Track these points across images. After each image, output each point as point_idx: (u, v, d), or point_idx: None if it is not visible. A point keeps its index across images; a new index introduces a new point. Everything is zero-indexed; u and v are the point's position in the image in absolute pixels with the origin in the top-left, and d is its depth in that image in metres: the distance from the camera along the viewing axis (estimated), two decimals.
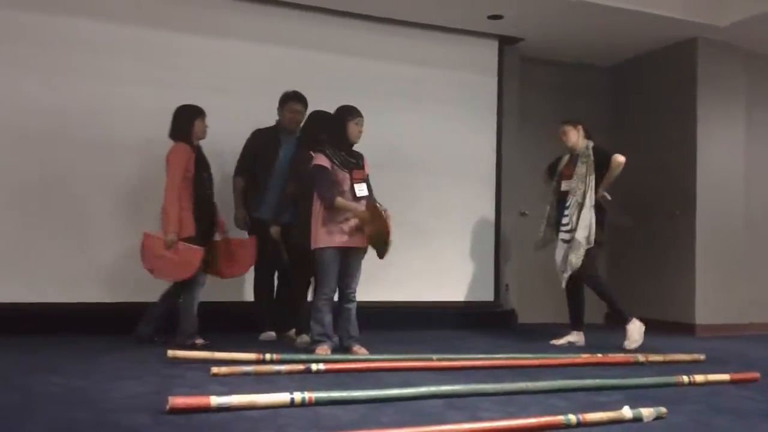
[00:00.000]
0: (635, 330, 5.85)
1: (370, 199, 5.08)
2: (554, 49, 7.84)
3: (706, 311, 7.23)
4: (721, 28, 6.98)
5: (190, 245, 5.10)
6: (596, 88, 8.41)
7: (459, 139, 7.15)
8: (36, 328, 5.53)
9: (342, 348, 5.13)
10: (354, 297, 5.16)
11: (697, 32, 7.21)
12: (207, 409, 3.14)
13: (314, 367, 4.23)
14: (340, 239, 5.00)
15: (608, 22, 6.92)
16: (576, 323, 6.17)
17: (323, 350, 4.95)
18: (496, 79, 7.41)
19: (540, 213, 6.33)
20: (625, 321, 5.91)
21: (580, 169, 6.00)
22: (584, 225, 5.88)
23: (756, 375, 4.57)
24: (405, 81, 6.88)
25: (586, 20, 6.88)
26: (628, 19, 6.81)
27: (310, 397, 3.36)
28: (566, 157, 6.25)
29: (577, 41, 7.56)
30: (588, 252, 5.89)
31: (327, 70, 6.57)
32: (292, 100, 5.75)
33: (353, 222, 5.00)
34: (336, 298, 5.15)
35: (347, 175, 5.03)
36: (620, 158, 5.93)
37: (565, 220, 5.98)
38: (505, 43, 7.46)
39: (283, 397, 3.33)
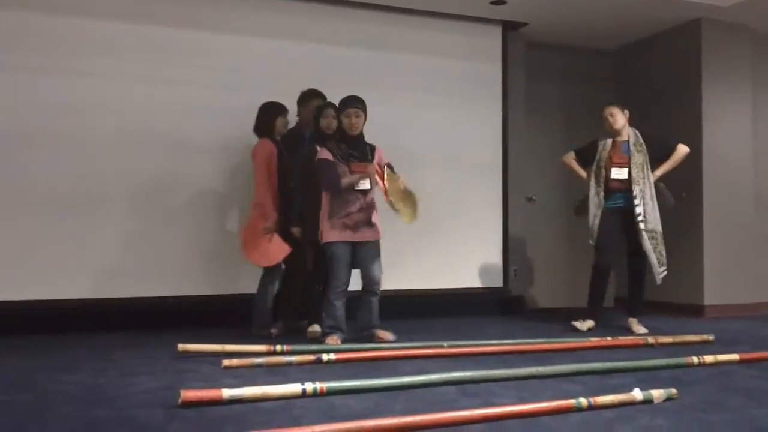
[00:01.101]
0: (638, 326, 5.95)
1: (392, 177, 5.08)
2: (558, 33, 7.80)
3: (714, 292, 7.23)
4: (725, 7, 6.93)
5: (283, 243, 5.39)
6: (601, 72, 8.38)
7: (464, 127, 7.12)
8: (44, 326, 5.57)
9: (364, 338, 5.12)
10: (377, 290, 5.14)
11: (701, 13, 7.18)
12: (220, 402, 3.17)
13: (325, 357, 4.25)
14: (343, 233, 5.02)
15: (611, 4, 6.88)
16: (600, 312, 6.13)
17: (333, 341, 4.96)
18: (500, 65, 7.36)
19: (547, 199, 6.31)
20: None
21: (637, 157, 5.84)
22: (658, 216, 5.83)
23: (766, 354, 4.58)
24: (407, 70, 6.85)
25: (589, 3, 6.84)
26: (631, 0, 6.78)
27: (321, 388, 3.38)
28: (607, 142, 6.02)
29: (581, 25, 7.51)
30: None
31: (325, 61, 6.54)
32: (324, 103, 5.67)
33: (358, 216, 5.03)
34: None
35: (345, 169, 5.03)
36: (686, 149, 5.90)
37: (638, 210, 5.77)
38: (509, 28, 7.42)
39: (294, 388, 3.35)
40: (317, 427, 2.70)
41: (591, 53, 8.36)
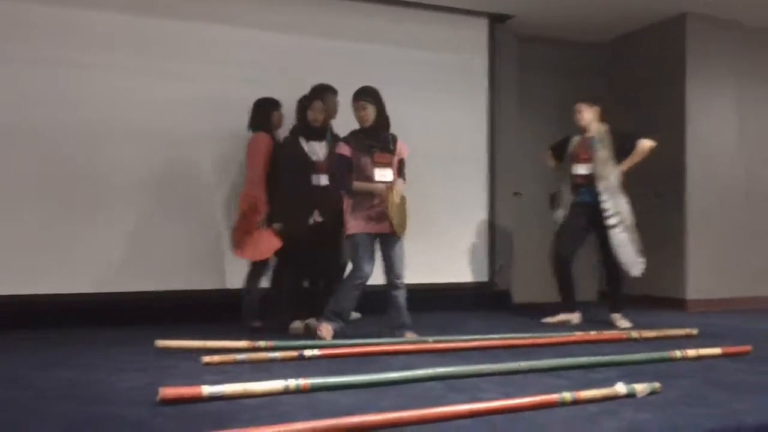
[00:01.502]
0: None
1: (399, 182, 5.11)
2: (548, 26, 7.78)
3: (697, 286, 7.25)
4: (711, 1, 6.95)
5: (273, 237, 5.39)
6: (589, 66, 8.36)
7: (450, 120, 7.09)
8: (22, 322, 5.50)
9: (395, 335, 5.06)
10: (401, 283, 5.09)
11: (686, 7, 7.20)
12: (200, 399, 3.14)
13: (308, 353, 4.22)
14: (365, 225, 5.00)
15: None
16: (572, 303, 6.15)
17: (325, 329, 4.92)
18: (486, 59, 7.34)
19: (537, 194, 6.29)
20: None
21: (602, 153, 5.88)
22: (627, 209, 5.86)
23: (747, 348, 4.60)
24: (392, 62, 6.79)
25: None
26: None
27: (305, 384, 3.36)
28: (577, 138, 6.10)
29: (569, 18, 7.50)
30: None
31: (310, 53, 6.50)
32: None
33: (381, 207, 4.98)
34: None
35: (368, 160, 5.01)
36: (647, 143, 5.88)
37: (606, 206, 5.81)
38: (496, 21, 7.39)
39: (277, 385, 3.33)
40: (300, 424, 2.68)
41: (582, 46, 8.34)
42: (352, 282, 5.02)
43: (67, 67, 5.76)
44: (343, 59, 6.57)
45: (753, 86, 7.83)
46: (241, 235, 5.50)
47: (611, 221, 5.80)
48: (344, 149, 5.04)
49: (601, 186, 5.83)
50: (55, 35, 5.75)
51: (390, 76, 6.28)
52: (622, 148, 5.90)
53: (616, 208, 5.82)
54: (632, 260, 5.83)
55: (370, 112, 5.05)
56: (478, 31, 7.33)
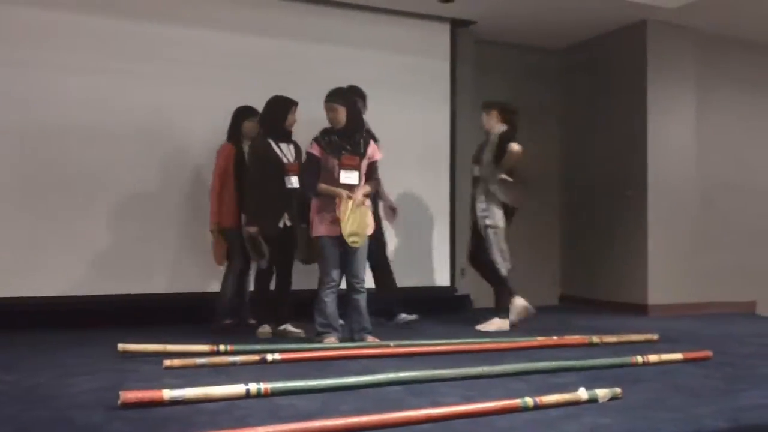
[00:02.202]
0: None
1: (370, 186, 5.11)
2: (507, 31, 7.83)
3: (658, 292, 7.32)
4: (671, 9, 7.03)
5: (219, 245, 5.66)
6: (549, 70, 8.44)
7: (412, 124, 7.07)
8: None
9: (354, 340, 5.03)
10: (361, 287, 5.06)
11: (646, 14, 7.27)
12: (161, 403, 3.10)
13: (270, 357, 4.19)
14: (329, 228, 4.96)
15: (559, 4, 6.94)
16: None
17: (330, 341, 4.89)
18: (449, 62, 7.36)
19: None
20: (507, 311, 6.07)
21: (486, 156, 6.05)
22: (499, 215, 6.01)
23: (708, 353, 4.64)
24: (356, 66, 6.77)
25: (536, 3, 6.88)
26: (578, 1, 6.84)
27: (266, 388, 3.33)
28: (482, 141, 6.30)
29: (529, 24, 7.56)
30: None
31: (273, 55, 6.48)
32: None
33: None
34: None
35: (336, 162, 4.96)
36: (515, 147, 5.87)
37: (481, 206, 6.03)
38: (458, 26, 7.42)
39: (238, 389, 3.30)
40: (261, 429, 2.66)
41: (539, 52, 8.40)
42: (324, 290, 5.00)
43: (47, 68, 5.74)
44: (314, 61, 6.60)
45: (711, 93, 7.93)
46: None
47: (485, 222, 6.00)
48: (314, 149, 5.01)
49: (481, 187, 6.04)
50: (47, 39, 5.75)
51: (354, 77, 6.25)
52: (500, 152, 5.97)
53: (490, 210, 5.98)
54: (500, 260, 6.00)
55: (341, 113, 5.01)
56: (441, 36, 7.36)
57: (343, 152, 4.98)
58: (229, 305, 5.66)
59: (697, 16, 7.28)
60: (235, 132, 5.68)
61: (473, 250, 6.25)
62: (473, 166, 6.27)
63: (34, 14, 5.72)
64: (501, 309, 6.07)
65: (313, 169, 5.00)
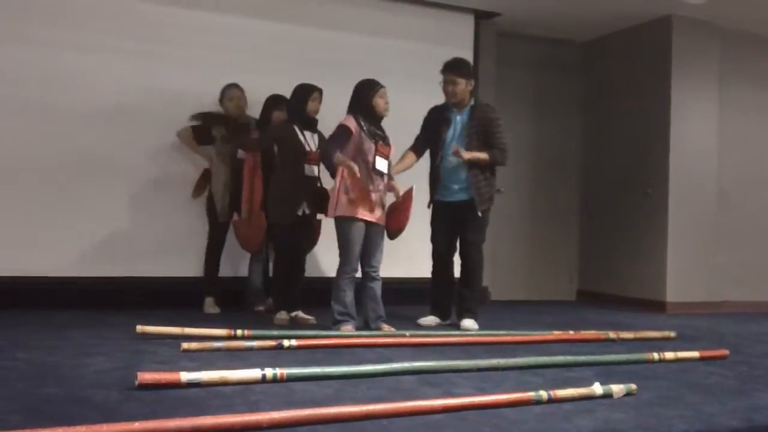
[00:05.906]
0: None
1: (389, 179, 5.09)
2: (530, 23, 7.81)
3: (677, 289, 7.29)
4: (696, 5, 6.97)
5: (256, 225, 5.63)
6: (571, 63, 8.40)
7: None
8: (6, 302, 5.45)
9: (368, 328, 5.02)
10: (377, 275, 5.03)
11: (671, 9, 7.22)
12: (177, 385, 3.12)
13: (286, 343, 4.21)
14: (363, 212, 4.86)
15: None
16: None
17: (347, 329, 4.85)
18: (472, 54, 7.32)
19: (513, 190, 6.31)
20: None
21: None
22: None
23: (725, 352, 4.62)
24: (379, 55, 6.78)
25: None
26: None
27: (281, 374, 3.34)
28: None
29: (554, 16, 7.53)
30: None
31: (295, 43, 6.47)
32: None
33: (375, 196, 4.92)
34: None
35: (372, 146, 4.91)
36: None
37: None
38: (481, 17, 7.40)
39: (254, 374, 3.31)
40: (276, 413, 2.67)
41: (562, 44, 8.37)
42: (343, 278, 4.92)
43: (36, 44, 5.70)
44: (337, 50, 6.58)
45: (734, 89, 7.86)
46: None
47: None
48: (351, 122, 4.92)
49: None
50: (66, 18, 5.77)
51: (376, 67, 6.23)
52: None
53: None
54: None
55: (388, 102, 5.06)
56: (464, 27, 7.32)
57: (379, 140, 4.95)
58: (260, 292, 5.85)
59: (721, 11, 7.22)
60: (264, 120, 5.70)
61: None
62: None
63: None
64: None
65: (341, 141, 4.87)
